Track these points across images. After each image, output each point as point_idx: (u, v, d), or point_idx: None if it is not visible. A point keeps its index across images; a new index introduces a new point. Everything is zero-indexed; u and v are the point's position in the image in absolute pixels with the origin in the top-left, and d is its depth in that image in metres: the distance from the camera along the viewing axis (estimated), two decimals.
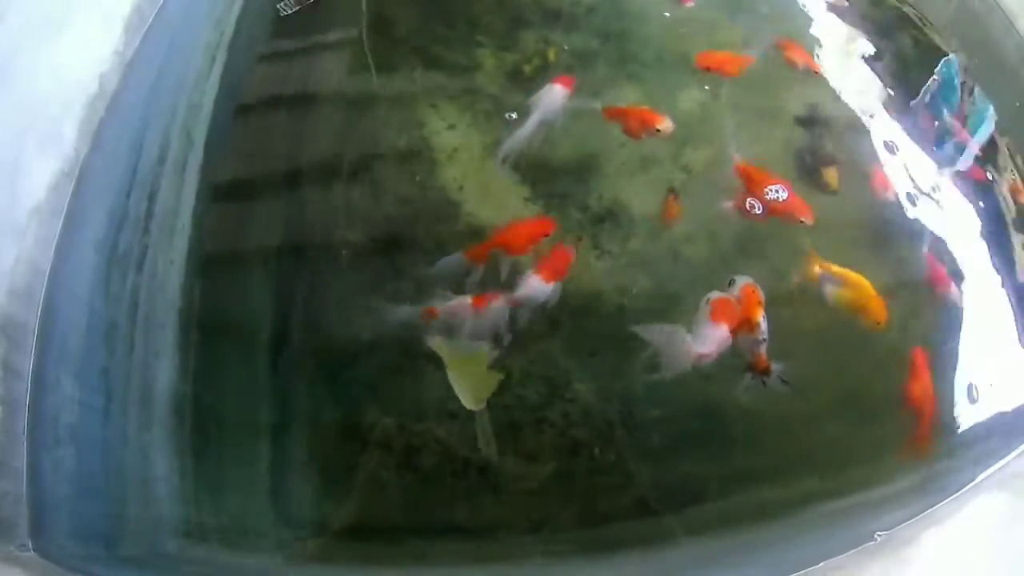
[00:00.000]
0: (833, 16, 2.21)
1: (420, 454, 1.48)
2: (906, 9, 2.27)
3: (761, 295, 1.56)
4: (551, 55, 1.92)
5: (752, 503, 1.47)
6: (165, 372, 1.52)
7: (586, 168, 1.76)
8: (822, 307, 1.63)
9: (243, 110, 1.84)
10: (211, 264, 1.63)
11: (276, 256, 1.65)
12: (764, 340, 1.52)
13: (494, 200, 1.69)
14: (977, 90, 2.13)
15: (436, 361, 1.53)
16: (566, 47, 1.95)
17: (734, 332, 1.52)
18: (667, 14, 2.10)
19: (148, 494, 1.45)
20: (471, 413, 1.49)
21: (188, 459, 1.48)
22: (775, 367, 1.51)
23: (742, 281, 1.59)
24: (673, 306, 1.60)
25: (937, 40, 2.23)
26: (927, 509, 1.34)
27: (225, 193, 1.74)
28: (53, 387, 1.46)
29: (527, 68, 1.90)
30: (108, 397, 1.51)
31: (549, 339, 1.56)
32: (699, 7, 2.12)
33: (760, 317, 1.54)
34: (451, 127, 1.78)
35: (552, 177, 1.73)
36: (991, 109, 2.08)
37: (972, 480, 1.41)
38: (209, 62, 1.83)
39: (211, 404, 1.52)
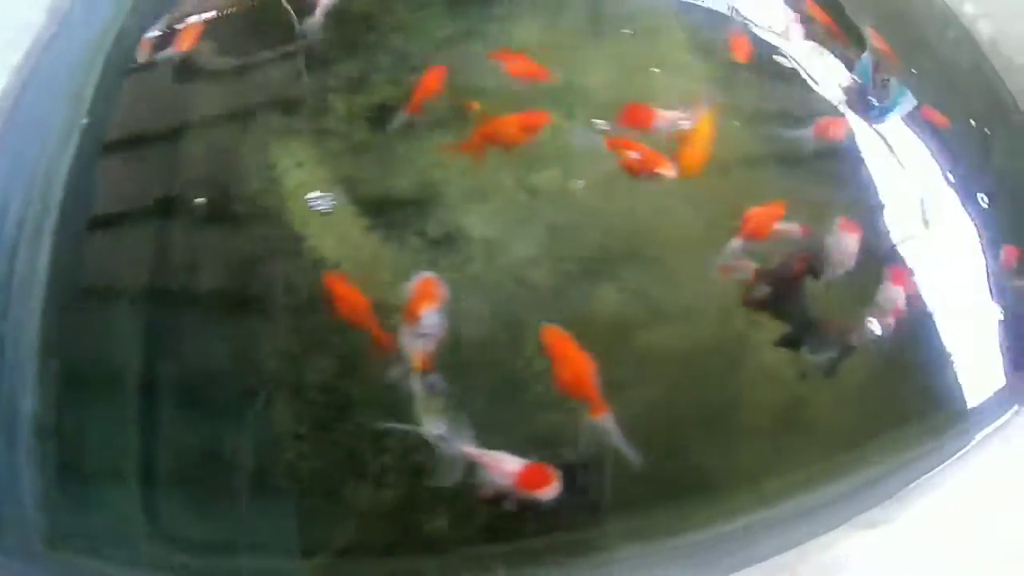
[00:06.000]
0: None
1: (274, 476, 1.57)
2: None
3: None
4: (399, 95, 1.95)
5: (751, 492, 1.49)
6: (28, 403, 1.63)
7: (427, 197, 1.81)
8: None
9: (107, 152, 1.96)
10: (71, 305, 1.75)
11: (136, 296, 1.76)
12: None
13: (334, 231, 1.76)
14: (892, 81, 2.11)
15: (286, 391, 1.62)
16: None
17: None
18: None
19: (17, 499, 1.56)
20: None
21: (52, 481, 1.58)
22: None
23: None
24: (516, 332, 1.61)
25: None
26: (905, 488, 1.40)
27: (86, 235, 1.85)
28: None
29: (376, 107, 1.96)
30: None
31: None
32: None
33: None
34: (299, 165, 1.86)
35: (392, 208, 1.80)
36: (907, 94, 2.06)
37: (948, 458, 1.45)
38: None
39: (75, 431, 1.62)
